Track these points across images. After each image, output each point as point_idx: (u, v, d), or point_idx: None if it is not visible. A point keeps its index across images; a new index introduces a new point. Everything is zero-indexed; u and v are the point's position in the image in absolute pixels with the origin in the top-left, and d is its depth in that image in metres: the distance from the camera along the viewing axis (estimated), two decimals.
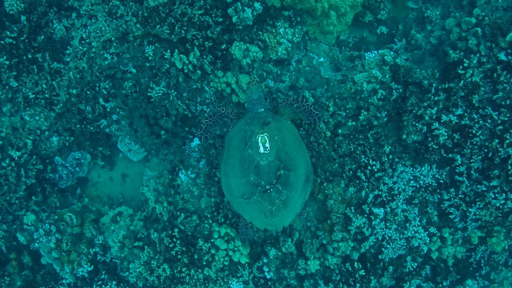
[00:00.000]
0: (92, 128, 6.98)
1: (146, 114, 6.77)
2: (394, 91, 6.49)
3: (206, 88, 6.92)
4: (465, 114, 5.92)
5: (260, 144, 4.87)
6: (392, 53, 7.00)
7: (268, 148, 4.86)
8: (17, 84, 6.42)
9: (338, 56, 7.31)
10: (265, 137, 4.87)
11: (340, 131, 6.43)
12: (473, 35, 6.27)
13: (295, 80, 7.02)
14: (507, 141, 5.63)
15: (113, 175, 7.74)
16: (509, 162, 5.65)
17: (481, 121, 5.84)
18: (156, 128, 6.89)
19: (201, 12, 6.15)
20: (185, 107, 6.80)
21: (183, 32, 6.24)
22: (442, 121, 5.97)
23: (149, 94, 6.60)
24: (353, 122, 6.48)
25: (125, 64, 6.64)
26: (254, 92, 5.66)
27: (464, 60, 5.98)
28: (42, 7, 6.32)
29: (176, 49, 6.40)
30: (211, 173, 6.93)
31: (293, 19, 6.82)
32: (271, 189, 4.90)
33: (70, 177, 7.20)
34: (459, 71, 5.95)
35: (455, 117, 5.91)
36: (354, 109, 6.58)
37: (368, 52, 7.15)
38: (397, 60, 6.74)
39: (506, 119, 5.70)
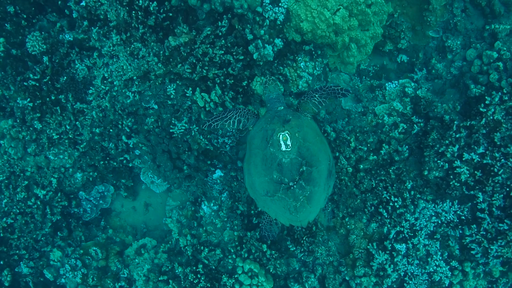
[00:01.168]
0: (115, 163, 7.06)
1: (169, 149, 6.84)
2: (415, 125, 6.51)
3: None
4: (487, 152, 5.94)
5: (282, 142, 4.86)
6: (413, 84, 6.98)
7: (290, 145, 4.86)
8: (41, 126, 6.50)
9: (359, 85, 7.29)
10: (286, 135, 4.87)
11: (361, 166, 6.48)
12: (495, 70, 6.26)
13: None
14: None
15: (136, 205, 7.84)
16: None
17: (502, 160, 5.86)
18: (179, 163, 6.96)
19: (222, 52, 6.17)
20: (207, 142, 6.86)
21: (204, 71, 6.27)
22: (463, 159, 6.00)
23: (171, 130, 6.66)
24: (375, 156, 6.53)
25: (147, 101, 6.69)
26: (272, 91, 5.62)
27: (486, 97, 5.98)
28: (64, 49, 6.37)
29: (197, 88, 6.44)
30: (233, 206, 7.01)
31: (313, 52, 6.82)
32: (295, 186, 4.92)
33: (94, 210, 7.32)
34: (481, 109, 5.96)
35: (477, 156, 5.93)
36: (375, 143, 6.61)
37: (389, 82, 7.14)
38: (418, 92, 6.74)
39: None
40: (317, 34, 6.42)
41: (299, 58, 6.76)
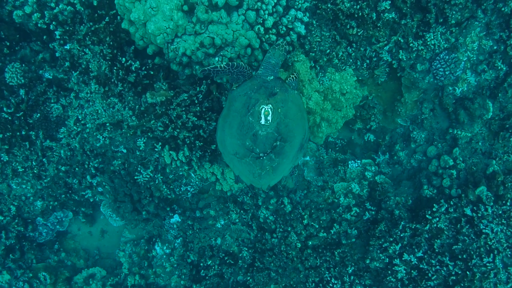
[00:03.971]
0: (77, 197, 7.23)
1: (131, 193, 7.03)
2: (367, 211, 6.88)
3: (192, 175, 7.19)
4: (425, 256, 6.36)
5: (262, 116, 4.88)
6: (373, 168, 7.31)
7: (270, 120, 4.88)
8: (7, 158, 6.59)
9: (324, 157, 7.57)
10: (269, 110, 4.88)
11: (310, 242, 6.83)
12: (448, 176, 6.64)
13: None
14: None
15: (92, 230, 8.06)
16: None
17: (438, 266, 6.29)
18: (138, 205, 7.17)
19: (196, 118, 6.34)
20: (169, 192, 7.07)
21: (175, 133, 6.44)
22: (403, 258, 6.41)
23: (135, 177, 6.84)
24: (325, 234, 6.88)
25: (117, 146, 6.84)
26: (275, 56, 5.28)
27: (434, 205, 6.37)
28: (42, 86, 6.42)
29: (167, 145, 6.62)
30: (185, 255, 7.31)
31: None
32: (264, 157, 5.02)
33: (50, 234, 7.50)
34: (427, 215, 6.35)
35: (415, 259, 6.35)
36: (327, 221, 6.96)
37: (351, 161, 7.45)
38: (376, 178, 7.09)
39: (459, 272, 6.16)
40: None
41: None
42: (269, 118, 4.89)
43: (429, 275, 6.30)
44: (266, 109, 4.88)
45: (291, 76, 5.42)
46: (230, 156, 5.34)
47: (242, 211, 7.26)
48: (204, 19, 5.67)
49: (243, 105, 5.03)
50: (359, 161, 7.49)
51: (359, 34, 6.26)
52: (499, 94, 6.56)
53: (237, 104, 5.10)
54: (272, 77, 5.25)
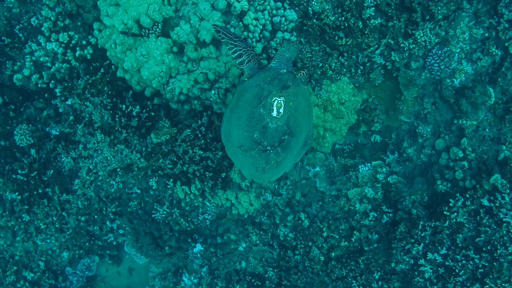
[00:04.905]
0: (100, 242, 7.42)
1: (151, 231, 7.19)
2: (385, 215, 6.90)
3: (207, 203, 7.31)
4: (449, 253, 6.35)
5: (275, 108, 4.83)
6: (384, 169, 7.32)
7: (281, 113, 4.85)
8: (29, 218, 6.81)
9: (334, 165, 7.60)
10: (282, 102, 4.82)
11: (333, 254, 6.88)
12: (460, 168, 6.62)
13: (291, 195, 7.37)
14: (487, 286, 6.10)
15: (120, 270, 8.23)
16: None
17: (464, 261, 6.28)
18: (160, 241, 7.32)
19: (202, 152, 6.46)
20: (187, 223, 7.21)
21: (184, 168, 6.57)
22: (427, 258, 6.42)
23: (153, 215, 6.99)
24: (346, 242, 6.92)
25: (130, 188, 7.00)
26: (290, 51, 5.34)
27: (450, 200, 6.36)
28: (51, 143, 6.62)
29: (178, 181, 6.75)
30: (212, 283, 7.42)
31: None
32: (271, 151, 5.00)
33: (80, 280, 7.71)
34: (445, 212, 6.34)
35: (440, 257, 6.35)
36: (347, 230, 7.00)
37: (362, 165, 7.47)
38: (388, 179, 7.11)
39: (486, 264, 6.14)
40: None
41: None
42: (281, 110, 4.84)
43: (456, 271, 6.29)
44: (279, 101, 4.82)
45: (302, 72, 5.41)
46: (233, 149, 5.28)
47: (261, 232, 7.34)
48: (195, 57, 5.80)
49: (254, 96, 4.96)
50: (369, 164, 7.50)
51: (348, 43, 6.30)
52: (498, 79, 6.51)
53: (248, 95, 5.03)
54: (285, 70, 5.22)
